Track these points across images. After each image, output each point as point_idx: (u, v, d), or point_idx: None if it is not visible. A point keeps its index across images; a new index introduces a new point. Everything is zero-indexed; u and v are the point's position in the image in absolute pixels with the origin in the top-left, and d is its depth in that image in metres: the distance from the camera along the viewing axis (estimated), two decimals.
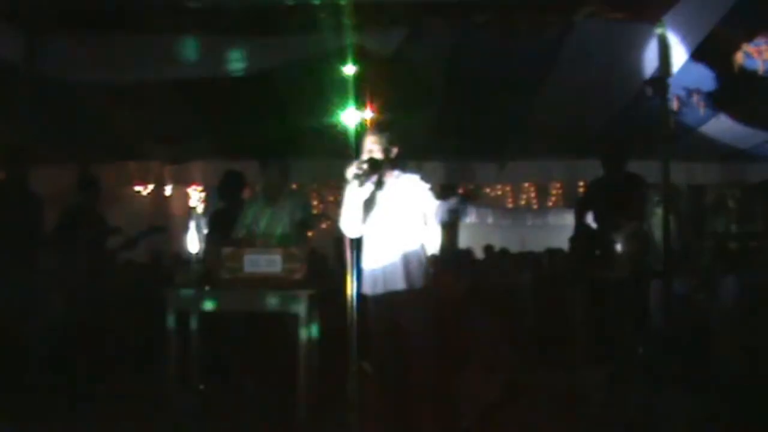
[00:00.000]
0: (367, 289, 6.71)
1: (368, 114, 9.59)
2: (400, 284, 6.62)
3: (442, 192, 14.18)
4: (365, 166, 6.51)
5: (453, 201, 6.69)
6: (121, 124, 11.66)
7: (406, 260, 6.65)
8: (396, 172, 6.83)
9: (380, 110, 9.75)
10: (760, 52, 8.93)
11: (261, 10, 8.66)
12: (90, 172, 11.03)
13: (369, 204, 6.64)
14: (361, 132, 9.37)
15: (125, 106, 10.84)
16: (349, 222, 6.66)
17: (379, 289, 6.66)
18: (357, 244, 6.79)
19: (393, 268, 6.63)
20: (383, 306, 6.66)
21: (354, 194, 6.60)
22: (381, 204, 6.67)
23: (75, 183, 9.84)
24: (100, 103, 10.76)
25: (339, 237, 10.45)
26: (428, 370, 6.67)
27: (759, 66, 9.13)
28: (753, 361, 8.50)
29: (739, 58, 8.97)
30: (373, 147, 6.72)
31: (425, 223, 6.78)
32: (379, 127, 7.03)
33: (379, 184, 6.69)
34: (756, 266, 11.05)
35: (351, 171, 6.48)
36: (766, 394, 7.41)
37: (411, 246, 6.71)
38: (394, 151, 6.81)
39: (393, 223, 6.68)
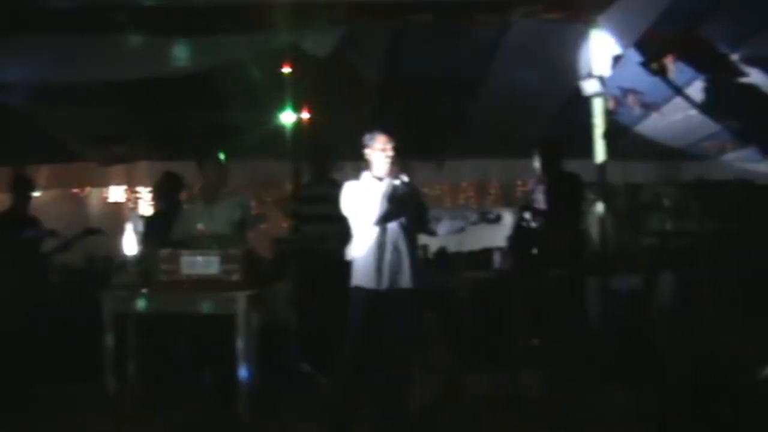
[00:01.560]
0: (370, 283, 6.76)
1: (305, 114, 9.58)
2: (405, 282, 6.76)
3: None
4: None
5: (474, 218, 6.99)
6: (57, 124, 11.55)
7: (412, 259, 6.83)
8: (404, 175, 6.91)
9: (317, 110, 9.75)
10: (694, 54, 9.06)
11: (198, 9, 8.61)
12: (24, 174, 10.90)
13: (384, 199, 6.72)
14: (298, 132, 9.38)
15: (61, 106, 10.74)
16: (368, 214, 6.76)
17: (384, 285, 6.72)
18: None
19: (400, 265, 6.76)
20: (384, 302, 6.73)
21: (375, 187, 6.76)
22: (393, 201, 6.73)
23: (8, 185, 9.71)
24: (34, 103, 10.65)
25: (277, 238, 10.47)
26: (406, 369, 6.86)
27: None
28: (691, 357, 8.58)
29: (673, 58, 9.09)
30: (387, 146, 6.83)
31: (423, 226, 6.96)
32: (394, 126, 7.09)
33: (395, 182, 6.77)
34: (692, 263, 11.16)
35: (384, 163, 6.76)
36: (704, 389, 7.48)
37: (414, 245, 6.93)
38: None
39: (402, 221, 6.81)
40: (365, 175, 6.93)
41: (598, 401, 7.85)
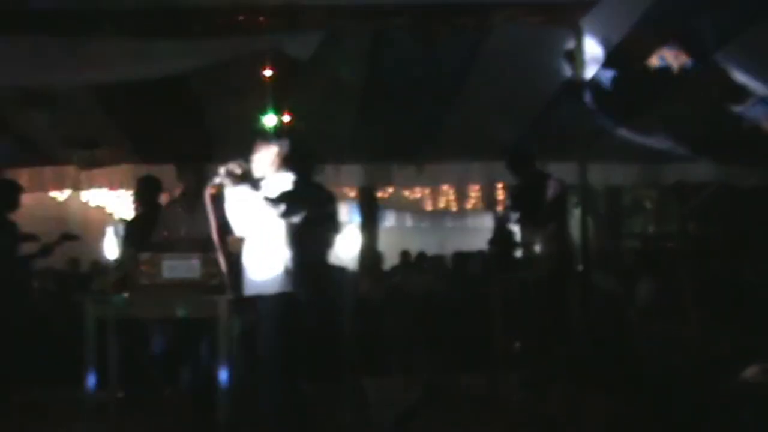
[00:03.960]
0: (243, 291, 6.91)
1: (286, 117, 9.57)
2: (262, 289, 6.84)
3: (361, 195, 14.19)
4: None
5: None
6: (35, 128, 11.50)
7: (275, 264, 6.86)
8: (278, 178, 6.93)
9: (298, 113, 9.73)
10: (675, 57, 9.06)
11: (179, 12, 8.59)
12: (4, 178, 10.86)
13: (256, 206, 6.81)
14: (279, 135, 9.37)
15: (40, 109, 10.69)
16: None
17: (249, 292, 6.87)
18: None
19: (263, 271, 6.84)
20: (249, 310, 6.81)
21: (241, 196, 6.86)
22: (263, 207, 6.77)
23: None
24: (13, 106, 10.60)
25: None
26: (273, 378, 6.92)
27: (674, 69, 9.27)
28: (671, 360, 8.60)
29: (654, 61, 9.09)
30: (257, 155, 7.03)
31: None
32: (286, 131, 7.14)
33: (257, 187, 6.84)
34: (672, 266, 11.19)
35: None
36: (683, 392, 7.49)
37: (281, 250, 6.87)
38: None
39: (269, 226, 6.86)
40: None
41: (579, 404, 7.86)
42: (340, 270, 9.51)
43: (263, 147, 7.14)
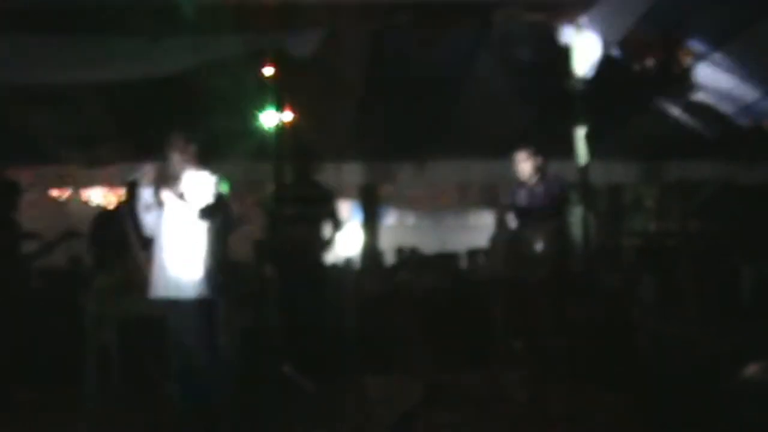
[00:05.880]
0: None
1: (287, 116, 9.57)
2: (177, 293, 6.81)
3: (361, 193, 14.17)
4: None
5: None
6: (39, 126, 11.50)
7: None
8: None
9: (299, 111, 9.74)
10: (676, 54, 9.06)
11: (180, 10, 8.59)
12: (6, 177, 10.84)
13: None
14: (280, 133, 9.38)
15: (43, 107, 10.70)
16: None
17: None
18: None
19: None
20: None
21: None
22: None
23: None
24: (15, 105, 10.60)
25: (259, 240, 10.44)
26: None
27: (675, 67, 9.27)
28: (673, 358, 8.59)
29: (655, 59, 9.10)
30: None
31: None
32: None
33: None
34: (674, 263, 11.18)
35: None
36: (685, 390, 7.48)
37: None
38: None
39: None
40: None
41: (579, 402, 7.85)
42: (340, 268, 9.50)
43: (181, 145, 7.15)
